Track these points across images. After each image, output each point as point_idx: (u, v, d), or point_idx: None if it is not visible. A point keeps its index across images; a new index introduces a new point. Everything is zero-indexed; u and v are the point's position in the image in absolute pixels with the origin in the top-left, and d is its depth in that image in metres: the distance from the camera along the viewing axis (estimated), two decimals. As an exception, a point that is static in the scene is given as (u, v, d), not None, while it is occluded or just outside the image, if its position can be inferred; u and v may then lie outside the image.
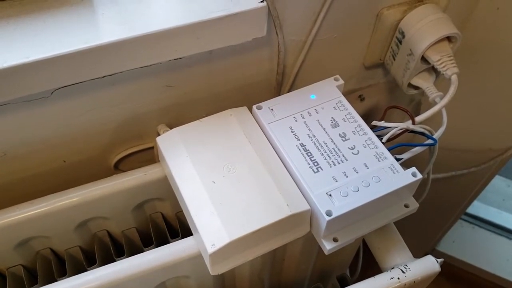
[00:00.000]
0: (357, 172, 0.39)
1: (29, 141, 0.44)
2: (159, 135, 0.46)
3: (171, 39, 0.40)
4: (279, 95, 0.48)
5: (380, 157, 0.40)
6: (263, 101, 0.44)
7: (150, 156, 0.52)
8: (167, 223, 0.51)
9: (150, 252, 0.40)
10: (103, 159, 0.50)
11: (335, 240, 0.39)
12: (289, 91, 0.50)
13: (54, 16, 0.39)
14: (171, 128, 0.43)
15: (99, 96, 0.43)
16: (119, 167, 0.52)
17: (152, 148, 0.51)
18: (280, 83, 0.49)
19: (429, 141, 0.45)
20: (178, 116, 0.49)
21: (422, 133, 0.46)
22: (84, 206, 0.44)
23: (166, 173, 0.44)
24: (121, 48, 0.38)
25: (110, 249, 0.49)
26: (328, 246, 0.39)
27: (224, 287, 0.48)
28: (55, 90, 0.40)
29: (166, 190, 0.46)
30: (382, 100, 0.59)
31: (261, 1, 0.40)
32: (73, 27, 0.38)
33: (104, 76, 0.40)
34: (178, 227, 0.51)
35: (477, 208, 1.06)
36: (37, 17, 0.39)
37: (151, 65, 0.42)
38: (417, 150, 0.45)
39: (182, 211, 0.47)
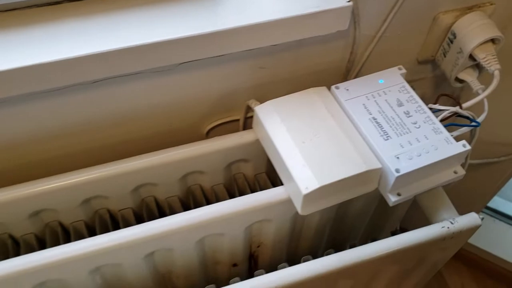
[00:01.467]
0: (419, 142, 0.49)
1: (153, 105, 0.54)
2: (249, 108, 0.57)
3: (274, 29, 0.50)
4: (346, 80, 0.58)
5: (437, 131, 0.50)
6: (332, 84, 0.54)
7: (235, 127, 0.62)
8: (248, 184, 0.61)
9: (247, 196, 0.50)
10: (198, 127, 0.60)
11: (398, 194, 0.49)
12: (355, 77, 0.60)
13: (184, 5, 0.49)
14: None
15: (210, 72, 0.54)
16: (209, 135, 0.62)
17: (237, 120, 0.62)
18: (349, 70, 0.59)
19: (473, 124, 0.55)
20: (263, 93, 0.59)
21: (467, 117, 0.55)
22: (189, 161, 0.54)
23: (259, 137, 0.54)
24: (234, 34, 0.49)
25: (203, 201, 0.59)
26: (393, 199, 0.48)
27: (294, 234, 0.58)
28: (181, 64, 0.51)
29: (253, 152, 0.56)
30: (429, 92, 0.69)
31: (349, 1, 0.50)
32: (199, 14, 0.48)
33: (217, 56, 0.51)
34: (257, 188, 0.61)
35: (498, 203, 1.15)
36: (171, 6, 0.49)
37: (253, 49, 0.52)
38: (463, 130, 0.55)
39: (261, 173, 0.58)
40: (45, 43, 0.45)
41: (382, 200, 0.50)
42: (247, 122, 0.61)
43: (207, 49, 0.49)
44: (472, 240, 1.11)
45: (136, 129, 0.57)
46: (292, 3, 0.50)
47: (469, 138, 0.59)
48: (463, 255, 1.12)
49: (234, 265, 0.59)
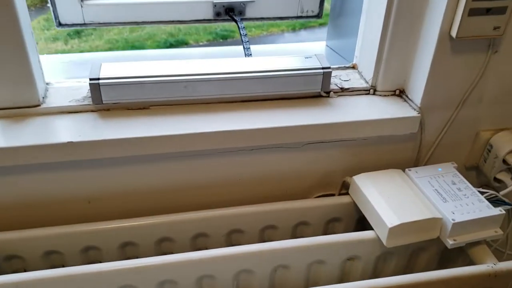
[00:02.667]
0: (468, 205, 0.72)
1: (277, 173, 0.80)
2: (345, 184, 0.82)
3: (367, 126, 0.77)
4: (415, 166, 0.82)
5: (481, 201, 0.73)
6: (405, 167, 0.78)
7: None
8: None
9: (344, 234, 0.72)
10: (306, 195, 0.85)
11: (454, 240, 0.70)
12: (419, 165, 0.84)
13: (305, 105, 0.78)
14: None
15: (322, 153, 0.80)
16: (311, 203, 0.86)
17: (332, 195, 0.86)
18: (417, 160, 0.84)
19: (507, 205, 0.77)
20: (354, 173, 0.84)
21: (503, 201, 0.77)
22: (299, 211, 0.78)
23: (354, 199, 0.78)
24: (339, 127, 0.76)
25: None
26: (450, 242, 0.69)
27: (374, 276, 0.77)
28: (306, 144, 0.78)
29: (347, 213, 0.79)
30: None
31: (418, 113, 0.78)
32: (316, 111, 0.76)
33: (328, 141, 0.78)
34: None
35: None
36: (296, 105, 0.78)
37: (351, 139, 0.79)
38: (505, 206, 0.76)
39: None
40: (202, 123, 0.73)
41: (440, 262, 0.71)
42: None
43: (323, 134, 0.76)
44: None
45: (259, 190, 0.82)
46: (381, 110, 0.78)
47: (506, 217, 0.80)
48: None
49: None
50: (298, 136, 0.75)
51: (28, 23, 0.68)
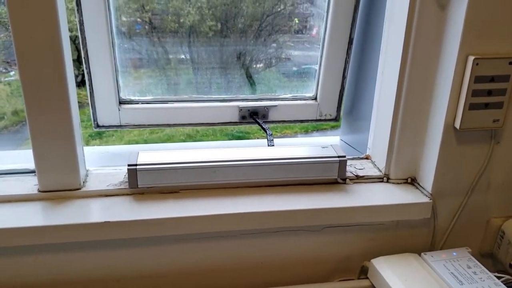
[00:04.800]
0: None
1: (296, 256, 0.84)
2: (364, 268, 0.85)
3: (383, 211, 0.82)
4: (430, 250, 0.85)
5: (497, 284, 0.75)
6: (420, 250, 0.81)
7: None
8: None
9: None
10: (326, 279, 0.87)
11: (474, 322, 0.71)
12: (434, 250, 0.87)
13: (322, 191, 0.84)
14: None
15: (341, 237, 0.84)
16: (330, 288, 0.88)
17: (351, 279, 0.88)
18: (433, 245, 0.87)
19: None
20: (370, 256, 0.87)
21: (521, 286, 0.79)
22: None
23: (372, 281, 0.80)
24: (359, 211, 0.81)
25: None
26: (471, 324, 0.71)
27: None
28: (325, 227, 0.82)
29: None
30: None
31: (430, 199, 0.83)
32: (333, 196, 0.82)
33: (345, 225, 0.82)
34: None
35: None
36: (314, 191, 0.84)
37: (367, 224, 0.83)
38: (518, 292, 0.78)
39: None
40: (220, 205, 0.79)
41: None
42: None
43: (340, 218, 0.81)
44: None
45: (280, 273, 0.85)
46: (394, 196, 0.83)
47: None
48: None
49: None
50: (317, 219, 0.80)
51: (78, 121, 0.78)
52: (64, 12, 0.71)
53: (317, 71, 1.02)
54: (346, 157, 0.84)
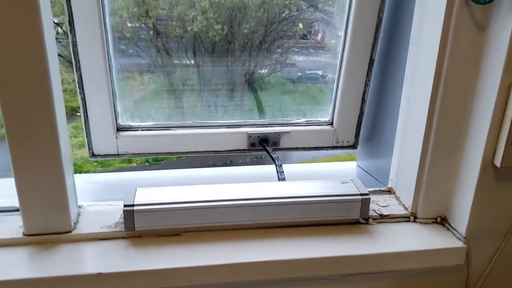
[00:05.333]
0: None
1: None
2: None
3: (411, 258, 0.72)
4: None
5: None
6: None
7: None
8: None
9: None
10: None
11: None
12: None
13: (343, 234, 0.75)
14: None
15: (366, 285, 0.75)
16: None
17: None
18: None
19: None
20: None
21: None
22: None
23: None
24: (385, 258, 0.72)
25: None
26: None
27: None
28: (348, 275, 0.73)
29: None
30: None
31: (464, 244, 0.73)
32: (357, 241, 0.73)
33: (370, 273, 0.73)
34: None
35: None
36: (336, 234, 0.75)
37: (394, 271, 0.74)
38: None
39: None
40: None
41: None
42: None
43: (364, 266, 0.72)
44: None
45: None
46: (423, 240, 0.74)
47: None
48: None
49: None
50: (338, 267, 0.70)
51: (68, 151, 0.69)
52: (50, 29, 0.62)
53: (334, 94, 0.93)
54: (368, 191, 0.75)
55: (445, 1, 0.66)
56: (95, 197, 0.89)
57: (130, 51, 0.86)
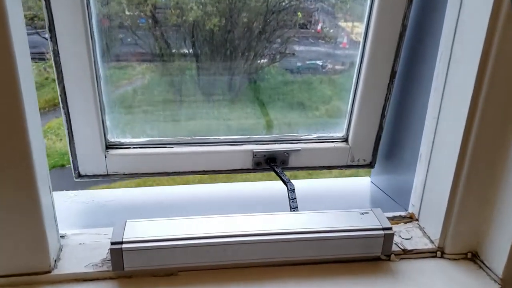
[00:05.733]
0: None
1: None
2: None
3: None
4: None
5: None
6: None
7: None
8: None
9: None
10: None
11: None
12: None
13: (368, 276, 0.65)
14: None
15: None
16: None
17: None
18: None
19: None
20: None
21: None
22: None
23: None
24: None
25: None
26: None
27: None
28: (366, 322, 0.64)
29: None
30: None
31: (501, 286, 0.64)
32: (380, 285, 0.63)
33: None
34: None
35: None
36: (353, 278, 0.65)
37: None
38: None
39: None
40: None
41: None
42: None
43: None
44: None
45: None
46: (454, 282, 0.64)
47: None
48: None
49: None
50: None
51: (46, 170, 0.59)
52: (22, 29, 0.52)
53: (349, 108, 0.83)
54: (390, 225, 0.66)
55: (489, 10, 0.56)
56: (81, 221, 0.79)
57: (123, 52, 0.76)
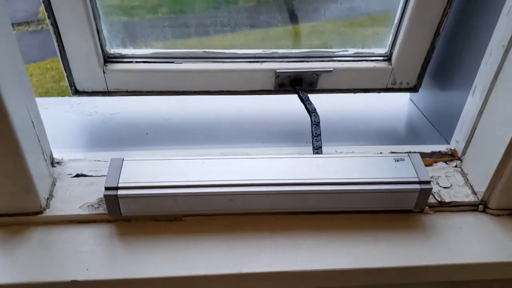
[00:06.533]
0: None
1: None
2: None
3: (480, 270, 0.55)
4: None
5: None
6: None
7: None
8: None
9: None
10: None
11: None
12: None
13: (397, 232, 0.58)
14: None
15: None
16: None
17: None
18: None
19: None
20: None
21: None
22: None
23: None
24: (443, 270, 0.55)
25: None
26: None
27: None
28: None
29: None
30: None
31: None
32: (411, 245, 0.56)
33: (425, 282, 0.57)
34: None
35: None
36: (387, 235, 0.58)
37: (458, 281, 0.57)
38: None
39: None
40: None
41: None
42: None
43: (412, 276, 0.56)
44: None
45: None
46: (497, 243, 0.56)
47: None
48: None
49: None
50: (376, 277, 0.55)
51: (24, 71, 0.50)
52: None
53: (397, 19, 0.68)
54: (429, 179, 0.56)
55: None
56: (82, 139, 0.72)
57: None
